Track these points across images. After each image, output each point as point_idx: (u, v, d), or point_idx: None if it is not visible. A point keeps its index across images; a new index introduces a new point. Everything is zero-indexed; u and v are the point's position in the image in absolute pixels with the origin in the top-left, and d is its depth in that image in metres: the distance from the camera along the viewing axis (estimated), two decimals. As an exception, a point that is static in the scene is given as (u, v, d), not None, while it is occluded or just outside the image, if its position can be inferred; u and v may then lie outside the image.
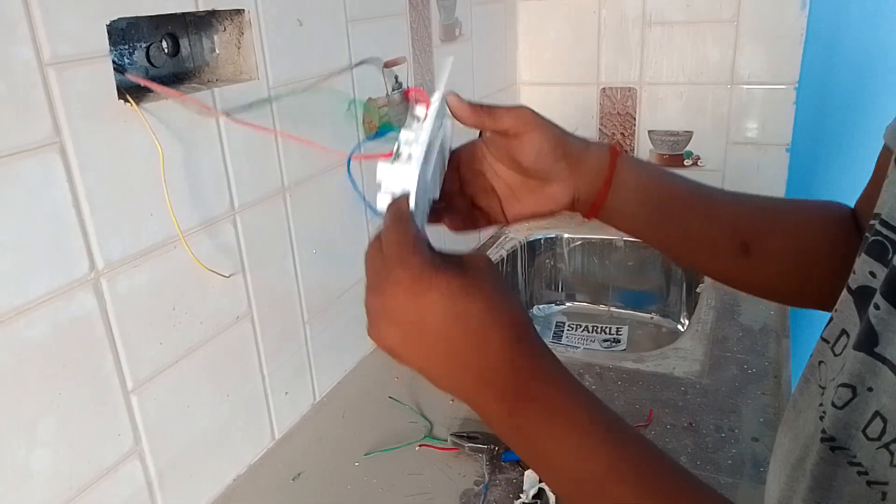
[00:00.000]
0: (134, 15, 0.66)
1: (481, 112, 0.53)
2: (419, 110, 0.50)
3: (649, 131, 1.61)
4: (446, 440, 0.91)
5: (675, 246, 0.58)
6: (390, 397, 1.02)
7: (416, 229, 0.42)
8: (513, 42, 1.65)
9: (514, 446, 0.41)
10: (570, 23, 1.62)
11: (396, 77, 1.12)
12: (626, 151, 0.58)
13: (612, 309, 1.64)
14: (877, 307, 0.36)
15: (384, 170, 0.46)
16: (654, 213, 0.56)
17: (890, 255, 0.36)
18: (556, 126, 0.56)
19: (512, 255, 1.58)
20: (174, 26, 0.78)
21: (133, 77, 0.67)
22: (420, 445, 0.91)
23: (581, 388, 0.40)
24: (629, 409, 0.97)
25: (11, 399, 0.58)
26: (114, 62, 0.64)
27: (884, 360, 0.35)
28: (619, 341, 1.53)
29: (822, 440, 0.38)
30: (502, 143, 0.55)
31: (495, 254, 1.54)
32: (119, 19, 0.65)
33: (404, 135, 0.48)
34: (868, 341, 0.36)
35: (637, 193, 0.56)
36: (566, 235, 1.66)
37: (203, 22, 0.80)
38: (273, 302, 0.90)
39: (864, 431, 0.36)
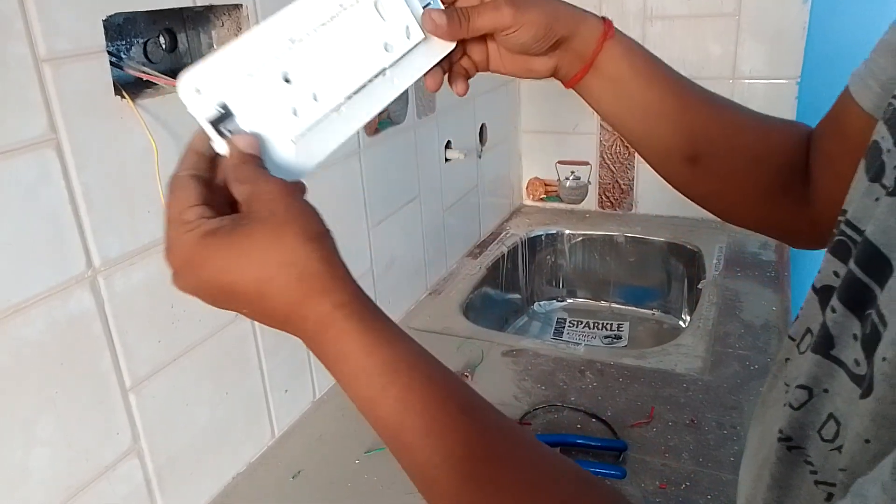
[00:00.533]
0: (131, 10, 0.65)
1: (458, 25, 0.50)
2: None
3: (650, 127, 1.60)
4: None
5: (631, 138, 0.60)
6: (391, 394, 1.01)
7: (192, 193, 0.40)
8: (513, 37, 1.64)
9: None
10: (570, 18, 1.61)
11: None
12: (616, 33, 0.55)
13: (614, 305, 1.64)
14: (833, 310, 0.36)
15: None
16: (622, 105, 0.57)
17: (850, 257, 0.36)
18: (540, 12, 0.52)
19: (513, 251, 1.58)
20: (171, 21, 0.77)
21: (131, 69, 0.66)
22: (420, 443, 0.91)
23: (367, 336, 0.38)
24: (631, 405, 0.97)
25: (9, 398, 0.58)
26: (110, 56, 0.64)
27: (840, 363, 0.35)
28: (621, 338, 1.52)
29: (779, 440, 0.38)
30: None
31: (496, 250, 1.54)
32: (116, 14, 0.64)
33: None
34: (824, 344, 0.36)
35: (609, 83, 0.56)
36: (567, 232, 1.65)
37: (200, 17, 0.79)
38: (272, 299, 0.89)
39: (819, 432, 0.36)
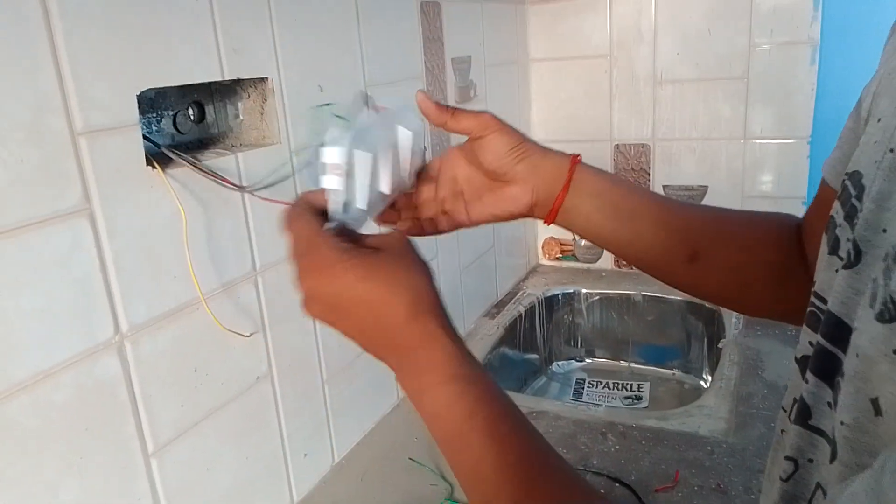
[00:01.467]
0: (163, 85, 0.68)
1: (445, 112, 0.58)
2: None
3: (664, 186, 1.62)
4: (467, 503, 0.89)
5: (627, 248, 0.61)
6: (410, 458, 1.00)
7: (317, 221, 0.48)
8: (526, 102, 1.69)
9: (415, 405, 0.46)
10: (581, 82, 1.65)
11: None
12: (583, 161, 0.60)
13: (633, 365, 1.62)
14: (807, 381, 0.37)
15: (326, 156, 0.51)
16: (610, 217, 0.59)
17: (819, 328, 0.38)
18: (517, 132, 0.59)
19: (530, 310, 1.57)
20: (200, 94, 0.81)
21: (167, 150, 0.69)
22: (441, 508, 0.90)
23: (458, 352, 0.45)
24: (655, 469, 0.95)
25: (35, 462, 0.58)
26: (142, 128, 0.66)
27: (820, 433, 0.36)
28: (641, 398, 1.50)
29: None
30: (467, 145, 0.60)
31: (513, 310, 1.54)
32: (148, 89, 0.67)
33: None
34: (802, 414, 0.37)
35: (594, 198, 0.59)
36: (584, 291, 1.65)
37: (228, 90, 0.83)
38: (293, 362, 0.90)
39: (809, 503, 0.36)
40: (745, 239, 0.60)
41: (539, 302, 1.61)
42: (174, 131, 0.78)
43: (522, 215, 0.62)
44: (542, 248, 1.82)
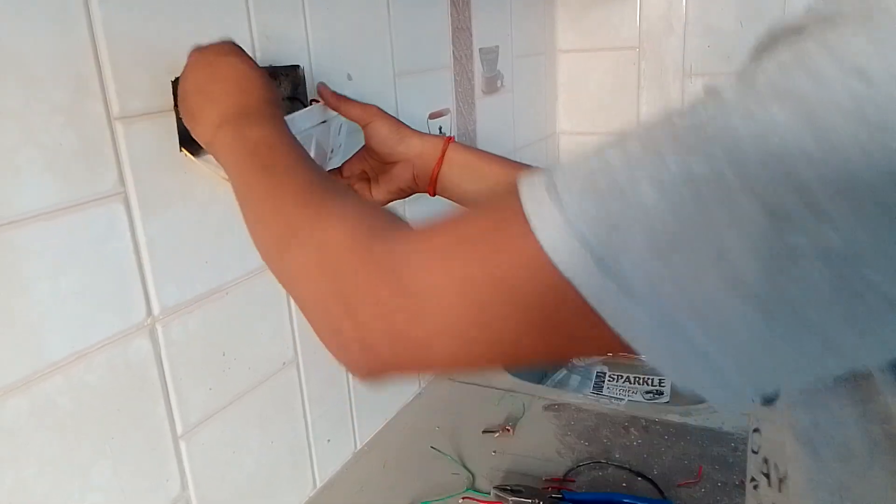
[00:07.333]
0: (197, 71, 0.69)
1: (338, 99, 0.73)
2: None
3: (691, 180, 1.60)
4: (489, 493, 0.89)
5: None
6: (432, 447, 1.01)
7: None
8: (553, 93, 1.67)
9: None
10: (609, 74, 1.64)
11: (440, 128, 1.15)
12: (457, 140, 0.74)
13: (655, 360, 1.61)
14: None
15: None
16: (478, 183, 0.71)
17: None
18: (396, 119, 0.73)
19: (552, 303, 1.57)
20: (232, 81, 0.81)
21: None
22: (463, 497, 0.90)
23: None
24: (677, 464, 0.95)
25: (69, 443, 0.60)
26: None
27: None
28: (662, 393, 1.49)
29: None
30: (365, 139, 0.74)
31: (535, 302, 1.53)
32: (183, 76, 0.67)
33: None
34: None
35: (463, 168, 0.71)
36: (607, 284, 1.64)
37: (259, 77, 0.83)
38: (318, 348, 0.90)
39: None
40: None
41: (561, 294, 1.61)
42: (206, 117, 0.78)
43: (410, 189, 0.73)
44: (566, 240, 1.80)
